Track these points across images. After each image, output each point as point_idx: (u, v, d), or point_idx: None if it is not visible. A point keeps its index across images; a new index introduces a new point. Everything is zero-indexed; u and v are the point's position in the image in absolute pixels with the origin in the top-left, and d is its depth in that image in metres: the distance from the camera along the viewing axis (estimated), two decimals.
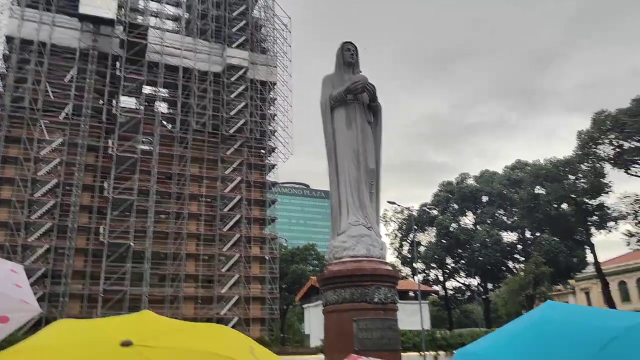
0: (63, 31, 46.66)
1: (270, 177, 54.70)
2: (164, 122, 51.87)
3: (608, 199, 45.36)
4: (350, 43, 11.24)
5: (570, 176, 46.21)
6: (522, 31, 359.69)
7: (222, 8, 54.20)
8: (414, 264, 58.68)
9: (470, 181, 64.94)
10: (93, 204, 44.96)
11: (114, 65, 48.89)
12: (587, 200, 45.41)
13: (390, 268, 10.40)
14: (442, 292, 63.95)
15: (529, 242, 59.34)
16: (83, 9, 47.04)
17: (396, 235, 64.91)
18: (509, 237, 61.88)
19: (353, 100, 10.55)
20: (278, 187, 60.77)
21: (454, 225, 61.12)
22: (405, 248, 63.80)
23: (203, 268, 47.67)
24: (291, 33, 57.06)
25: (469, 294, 65.64)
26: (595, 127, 39.93)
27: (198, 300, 46.37)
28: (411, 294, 47.90)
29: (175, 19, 56.62)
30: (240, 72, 52.90)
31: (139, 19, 50.61)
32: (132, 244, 43.81)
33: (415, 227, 56.41)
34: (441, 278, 63.45)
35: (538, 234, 56.79)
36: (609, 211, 45.08)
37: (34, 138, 43.84)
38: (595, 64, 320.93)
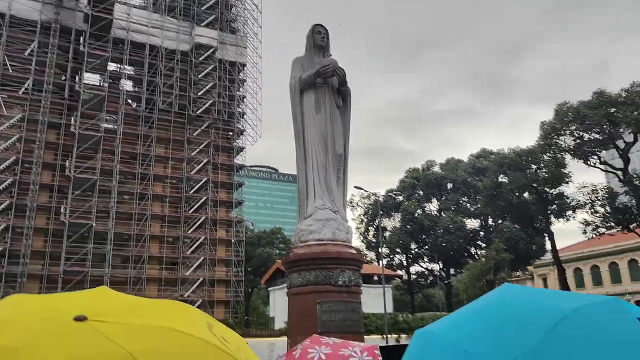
0: (24, 2, 44.73)
1: (238, 159, 54.25)
2: (129, 101, 50.64)
3: (567, 189, 46.79)
4: (321, 26, 11.18)
5: (532, 165, 47.39)
6: (493, 21, 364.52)
7: None
8: (379, 249, 59.44)
9: (436, 168, 65.99)
10: (54, 183, 43.72)
11: (77, 40, 47.30)
12: (547, 190, 46.70)
13: (354, 252, 10.53)
14: (405, 277, 65.12)
15: (491, 229, 60.89)
16: None
17: (362, 220, 65.61)
18: (472, 223, 63.41)
19: (323, 83, 10.52)
20: (246, 170, 60.38)
21: (418, 211, 62.13)
22: (371, 233, 64.59)
23: (167, 250, 47.18)
24: (262, 14, 56.26)
25: (431, 278, 67.06)
26: (557, 118, 40.92)
27: (162, 283, 45.94)
28: (375, 278, 48.58)
29: None
30: (209, 52, 51.94)
31: None
32: (94, 224, 42.94)
33: (381, 212, 57.07)
34: (405, 263, 64.58)
35: (500, 221, 58.32)
36: (568, 200, 46.50)
37: None
38: (561, 57, 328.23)
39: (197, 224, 48.65)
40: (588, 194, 42.49)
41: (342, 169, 10.75)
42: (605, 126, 38.79)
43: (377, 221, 57.87)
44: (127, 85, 51.31)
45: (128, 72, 50.59)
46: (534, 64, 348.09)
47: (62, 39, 45.94)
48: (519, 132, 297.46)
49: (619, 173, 39.94)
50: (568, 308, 1.84)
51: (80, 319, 1.13)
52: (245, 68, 54.89)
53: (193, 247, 47.91)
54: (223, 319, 42.04)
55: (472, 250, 62.48)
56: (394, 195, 65.57)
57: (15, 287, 38.91)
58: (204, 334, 1.23)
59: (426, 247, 62.21)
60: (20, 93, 43.60)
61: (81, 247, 42.36)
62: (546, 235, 51.48)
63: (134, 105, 50.71)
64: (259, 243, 63.05)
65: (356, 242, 65.16)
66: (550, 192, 46.87)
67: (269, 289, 55.99)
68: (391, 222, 65.44)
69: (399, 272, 63.73)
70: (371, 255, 65.16)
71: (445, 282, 63.15)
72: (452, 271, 64.19)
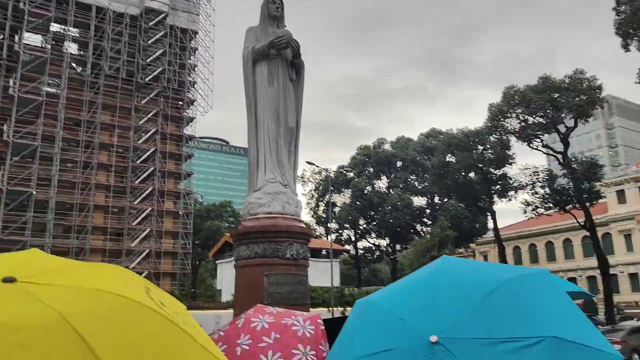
0: None
1: (188, 130, 53.12)
2: (74, 65, 48.32)
3: (511, 170, 48.44)
4: None
5: (479, 146, 48.72)
6: (449, 3, 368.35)
7: None
8: (328, 224, 60.05)
9: (387, 146, 66.92)
10: None
11: None
12: (492, 170, 48.22)
13: (304, 226, 10.58)
14: (353, 252, 66.24)
15: (437, 207, 62.60)
16: None
17: (313, 196, 65.99)
18: (419, 201, 65.00)
19: (276, 55, 10.36)
20: (195, 141, 59.27)
21: (368, 188, 63.03)
22: (321, 208, 65.12)
23: (112, 221, 45.98)
24: None
25: (378, 254, 68.58)
26: (504, 101, 42.04)
27: (106, 254, 44.83)
28: (324, 252, 49.16)
29: None
30: (160, 17, 50.13)
31: None
32: (34, 192, 41.22)
33: (332, 188, 57.52)
34: (353, 238, 65.62)
35: (446, 199, 59.95)
36: (511, 181, 48.23)
37: None
38: (513, 41, 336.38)
39: (144, 195, 47.55)
40: (530, 175, 44.17)
41: (294, 143, 10.70)
42: (548, 110, 40.21)
43: (327, 197, 58.33)
44: (72, 48, 48.90)
45: (73, 35, 48.18)
46: (486, 46, 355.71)
47: None
48: (468, 113, 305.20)
49: (559, 156, 41.66)
50: (500, 279, 1.93)
51: (9, 280, 1.09)
52: (197, 36, 53.40)
53: (139, 219, 46.90)
54: (169, 291, 41.48)
55: (418, 227, 64.14)
56: (344, 172, 66.17)
57: None
58: (140, 297, 1.21)
59: (374, 223, 63.34)
60: None
61: (20, 216, 40.69)
62: (489, 214, 53.40)
63: (79, 70, 48.48)
64: (207, 216, 62.44)
65: (306, 217, 65.63)
66: (495, 172, 48.45)
67: (216, 262, 55.72)
68: (341, 198, 66.14)
69: (347, 247, 64.76)
70: (320, 230, 65.82)
71: (391, 257, 64.70)
72: (398, 247, 65.78)
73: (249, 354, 2.52)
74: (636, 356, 19.99)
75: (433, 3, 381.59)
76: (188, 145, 53.51)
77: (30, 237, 40.48)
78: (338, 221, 62.49)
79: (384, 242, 66.18)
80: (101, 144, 46.33)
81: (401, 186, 63.09)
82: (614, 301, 40.85)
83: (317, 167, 52.19)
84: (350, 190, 63.88)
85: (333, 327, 2.55)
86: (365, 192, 61.99)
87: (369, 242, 67.42)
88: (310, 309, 9.98)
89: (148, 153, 48.39)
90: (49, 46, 45.27)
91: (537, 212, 43.59)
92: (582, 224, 40.49)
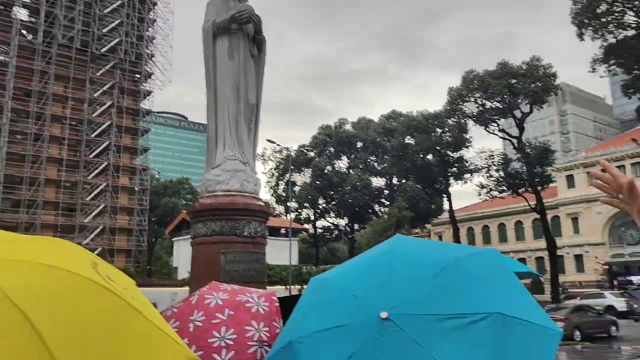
0: None
1: (145, 104, 51.74)
2: (24, 32, 46.08)
3: (467, 153, 49.66)
4: None
5: (437, 129, 49.56)
6: None
7: None
8: (288, 203, 60.13)
9: (348, 127, 67.22)
10: None
11: None
12: (449, 153, 49.22)
13: (262, 204, 10.56)
14: (312, 231, 66.68)
15: (395, 187, 63.58)
16: None
17: (273, 174, 65.80)
18: (378, 182, 65.87)
19: (237, 30, 10.16)
20: (153, 115, 57.88)
21: (328, 167, 63.33)
22: (281, 187, 65.07)
23: (65, 195, 44.60)
24: None
25: (336, 233, 69.33)
26: (464, 85, 42.78)
27: (57, 229, 43.54)
28: (283, 231, 49.30)
29: None
30: None
31: None
32: None
33: (292, 167, 57.46)
34: (312, 217, 66.00)
35: (404, 181, 60.93)
36: (467, 164, 49.39)
37: None
38: (474, 25, 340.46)
39: (99, 169, 46.27)
40: (485, 159, 45.31)
41: (254, 120, 10.57)
42: (505, 96, 41.20)
43: (287, 176, 58.26)
44: (22, 13, 46.57)
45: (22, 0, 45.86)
46: (449, 30, 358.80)
47: None
48: (429, 96, 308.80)
49: (514, 141, 42.85)
50: (450, 257, 1.99)
51: None
52: (156, 7, 51.76)
53: (93, 194, 45.68)
54: (123, 268, 40.89)
55: (377, 207, 65.04)
56: (305, 151, 66.17)
57: None
58: (86, 272, 1.18)
59: (333, 202, 63.84)
60: None
61: None
62: (445, 196, 54.64)
63: (30, 37, 46.29)
64: (164, 193, 61.41)
65: (266, 195, 65.49)
66: (452, 155, 49.47)
67: (173, 240, 55.05)
68: (301, 177, 66.24)
69: (306, 226, 65.12)
70: (280, 209, 65.88)
71: (349, 236, 65.50)
72: (356, 227, 66.63)
73: (202, 330, 2.51)
74: (577, 332, 21.03)
75: None
76: (145, 119, 52.20)
77: None
78: (298, 200, 62.64)
79: (342, 222, 66.90)
80: (53, 115, 44.62)
81: (361, 167, 63.66)
82: (559, 281, 42.74)
83: (278, 145, 52.00)
84: (310, 169, 64.01)
85: (288, 305, 2.56)
86: (326, 171, 62.26)
87: (328, 221, 68.04)
88: (268, 287, 10.01)
89: (103, 127, 46.96)
90: None
91: (491, 195, 44.87)
92: (533, 207, 41.93)
